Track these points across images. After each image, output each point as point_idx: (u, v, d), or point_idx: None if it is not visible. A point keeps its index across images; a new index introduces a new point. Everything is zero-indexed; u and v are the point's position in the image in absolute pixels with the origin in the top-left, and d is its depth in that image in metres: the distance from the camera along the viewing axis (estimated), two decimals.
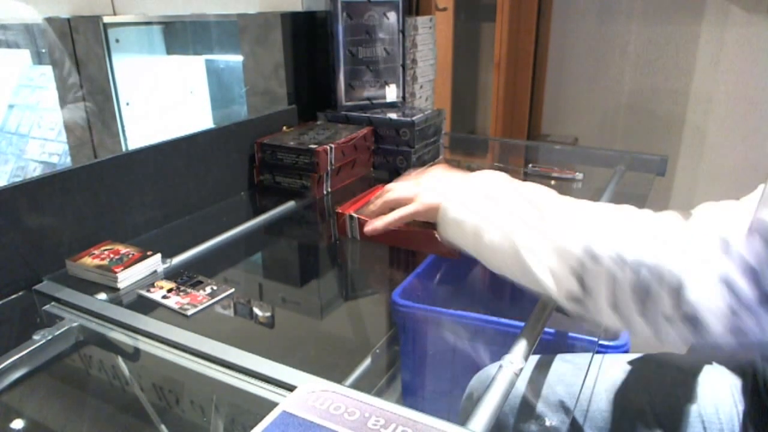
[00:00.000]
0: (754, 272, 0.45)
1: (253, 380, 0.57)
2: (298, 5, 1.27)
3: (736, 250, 0.46)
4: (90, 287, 0.75)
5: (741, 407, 0.71)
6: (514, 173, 1.33)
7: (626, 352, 1.00)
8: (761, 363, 0.70)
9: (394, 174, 1.25)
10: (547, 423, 0.72)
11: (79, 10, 1.59)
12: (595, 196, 1.02)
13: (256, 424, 0.45)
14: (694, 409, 0.71)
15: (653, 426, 0.72)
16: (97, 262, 0.78)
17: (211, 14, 1.43)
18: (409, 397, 0.85)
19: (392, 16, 1.28)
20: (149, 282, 0.77)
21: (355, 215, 0.79)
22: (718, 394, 0.72)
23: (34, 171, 2.13)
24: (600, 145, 2.41)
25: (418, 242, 0.77)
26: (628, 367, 0.79)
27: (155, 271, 0.80)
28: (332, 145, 1.10)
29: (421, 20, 1.44)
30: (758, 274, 0.45)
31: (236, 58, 1.51)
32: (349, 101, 1.30)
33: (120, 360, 0.67)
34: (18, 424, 0.59)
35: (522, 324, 0.64)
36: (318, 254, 0.98)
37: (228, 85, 1.67)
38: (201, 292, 0.75)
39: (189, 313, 0.71)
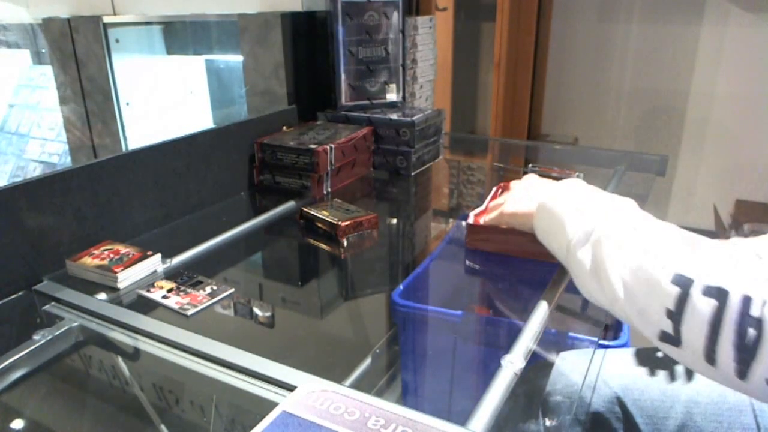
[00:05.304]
0: None
1: (253, 380, 0.56)
2: (298, 5, 1.27)
3: None
4: (90, 287, 0.75)
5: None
6: (514, 173, 1.34)
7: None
8: None
9: (394, 174, 1.25)
10: (547, 423, 0.72)
11: (79, 10, 1.59)
12: None
13: (256, 424, 0.45)
14: (698, 404, 0.71)
15: (660, 421, 0.72)
16: (97, 262, 0.78)
17: (211, 14, 1.43)
18: (409, 397, 0.85)
19: (392, 16, 1.28)
20: (149, 282, 0.77)
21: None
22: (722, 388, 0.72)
23: (34, 171, 2.13)
24: (600, 145, 2.42)
25: (526, 249, 0.81)
26: (630, 365, 0.79)
27: (155, 271, 0.80)
28: (332, 145, 1.10)
29: (421, 20, 1.44)
30: None
31: (236, 58, 1.51)
32: (349, 101, 1.30)
33: (120, 360, 0.67)
34: (18, 424, 0.59)
35: (522, 324, 0.64)
36: (318, 254, 0.98)
37: (228, 85, 1.67)
38: (201, 292, 0.75)
39: (189, 313, 0.71)
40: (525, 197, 0.77)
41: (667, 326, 0.49)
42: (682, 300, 0.48)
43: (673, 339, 0.49)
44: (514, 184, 0.84)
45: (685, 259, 0.50)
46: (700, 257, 0.50)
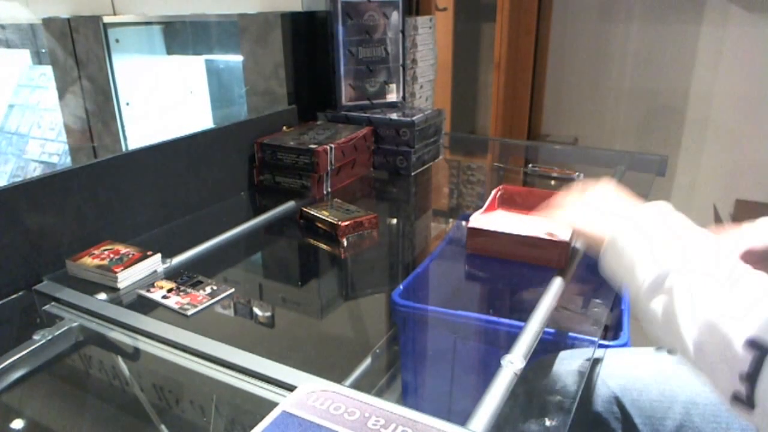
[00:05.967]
0: None
1: (253, 380, 0.57)
2: (298, 5, 1.27)
3: None
4: (90, 287, 0.75)
5: None
6: (514, 173, 1.34)
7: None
8: None
9: (394, 174, 1.25)
10: (547, 423, 0.72)
11: (79, 10, 1.59)
12: None
13: (256, 424, 0.45)
14: (699, 402, 0.71)
15: (658, 422, 0.72)
16: (97, 262, 0.78)
17: (211, 14, 1.43)
18: (409, 397, 0.85)
19: (392, 16, 1.28)
20: (149, 282, 0.77)
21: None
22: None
23: (34, 171, 2.13)
24: (600, 145, 2.42)
25: (526, 254, 0.81)
26: (629, 365, 0.79)
27: (155, 271, 0.80)
28: (332, 145, 1.10)
29: (421, 20, 1.44)
30: None
31: (236, 58, 1.51)
32: (349, 101, 1.30)
33: (120, 360, 0.67)
34: (18, 424, 0.59)
35: (522, 324, 0.64)
36: (318, 254, 0.98)
37: (228, 85, 1.67)
38: (201, 292, 0.75)
39: (189, 313, 0.71)
40: (597, 214, 0.71)
41: (740, 389, 0.47)
42: (758, 364, 0.45)
43: (746, 402, 0.47)
44: (586, 190, 0.78)
45: (762, 321, 0.47)
46: None
